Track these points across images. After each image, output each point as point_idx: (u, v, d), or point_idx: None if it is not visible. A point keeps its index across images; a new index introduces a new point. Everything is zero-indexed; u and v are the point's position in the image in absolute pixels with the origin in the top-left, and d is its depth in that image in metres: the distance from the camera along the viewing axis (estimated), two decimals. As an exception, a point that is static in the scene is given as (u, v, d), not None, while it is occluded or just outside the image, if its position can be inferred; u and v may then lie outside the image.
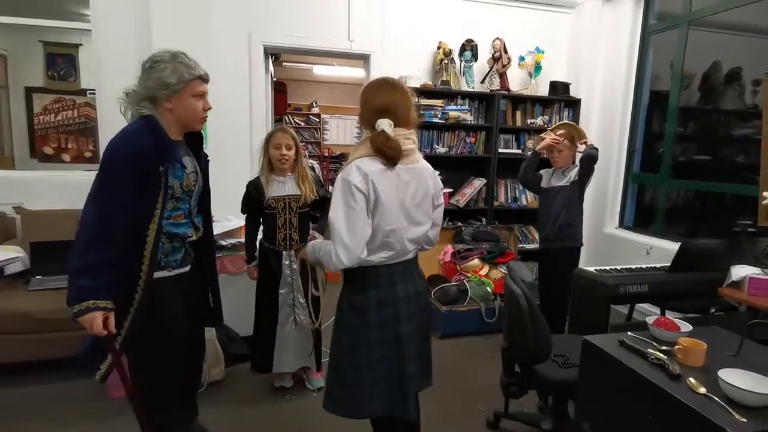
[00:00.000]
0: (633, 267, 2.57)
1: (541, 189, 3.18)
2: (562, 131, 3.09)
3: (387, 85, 1.60)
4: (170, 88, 1.53)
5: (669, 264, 2.49)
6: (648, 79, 4.11)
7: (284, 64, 7.93)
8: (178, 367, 1.73)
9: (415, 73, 4.04)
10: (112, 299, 1.48)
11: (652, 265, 2.61)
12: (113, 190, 1.46)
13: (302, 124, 9.84)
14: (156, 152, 1.51)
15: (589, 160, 2.90)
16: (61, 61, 4.51)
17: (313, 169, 2.75)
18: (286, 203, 2.45)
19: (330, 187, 1.96)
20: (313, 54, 4.18)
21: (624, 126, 4.13)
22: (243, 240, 3.14)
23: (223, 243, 3.07)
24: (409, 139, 1.59)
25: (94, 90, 3.64)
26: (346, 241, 1.50)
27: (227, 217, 3.45)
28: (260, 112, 3.96)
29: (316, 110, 10.02)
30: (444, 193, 1.78)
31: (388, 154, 1.50)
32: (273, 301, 2.51)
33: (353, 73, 8.28)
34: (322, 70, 8.50)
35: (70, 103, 4.31)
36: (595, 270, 2.50)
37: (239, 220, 3.40)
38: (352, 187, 1.50)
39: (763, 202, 1.69)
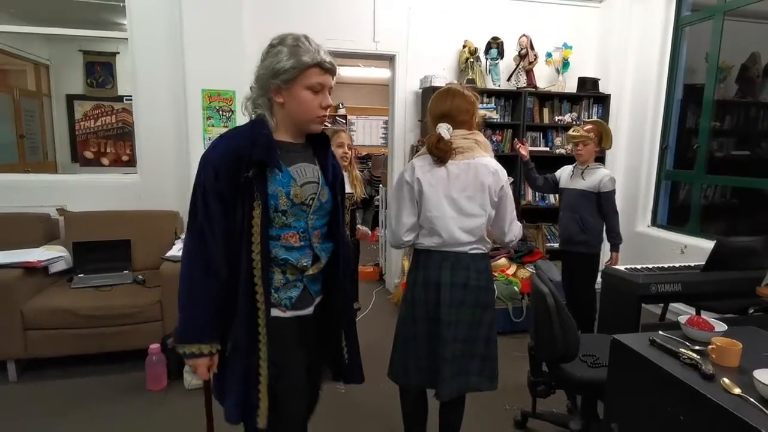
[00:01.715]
0: (665, 266, 2.51)
1: (560, 189, 3.16)
2: (590, 126, 3.05)
3: (446, 94, 1.84)
4: (281, 76, 1.23)
5: (704, 263, 2.43)
6: (681, 73, 3.99)
7: (311, 66, 8.03)
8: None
9: (441, 72, 4.04)
10: (217, 339, 1.27)
11: (686, 264, 2.54)
12: (204, 204, 1.22)
13: (329, 125, 9.95)
14: (250, 154, 1.22)
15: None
16: (100, 68, 4.71)
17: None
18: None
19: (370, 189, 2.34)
20: (339, 56, 4.18)
21: (656, 121, 4.02)
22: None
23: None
24: (467, 139, 1.79)
25: (130, 96, 3.79)
26: (392, 225, 1.87)
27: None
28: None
29: (342, 111, 10.11)
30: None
31: (435, 153, 1.75)
32: None
33: (379, 74, 8.33)
34: (348, 72, 8.58)
35: (108, 109, 4.50)
36: (626, 269, 2.46)
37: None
38: (402, 181, 1.83)
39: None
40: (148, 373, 2.63)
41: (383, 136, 10.58)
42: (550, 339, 1.95)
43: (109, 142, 4.35)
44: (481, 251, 1.83)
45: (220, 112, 3.65)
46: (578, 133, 3.03)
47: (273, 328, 1.27)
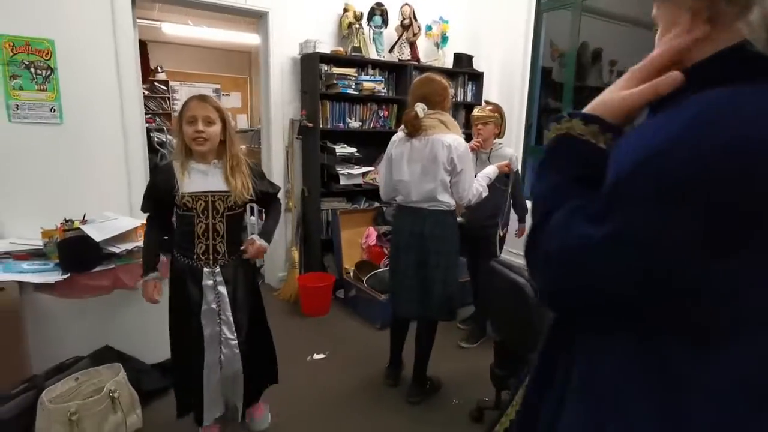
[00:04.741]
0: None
1: None
2: (492, 107, 3.04)
3: (426, 80, 2.25)
4: None
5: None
6: (541, 56, 4.31)
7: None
8: None
9: (319, 37, 3.59)
10: None
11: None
12: None
13: (146, 92, 8.37)
14: None
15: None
16: None
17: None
18: (208, 202, 1.79)
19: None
20: (198, 7, 3.40)
21: (522, 100, 4.28)
22: (139, 244, 2.47)
23: (116, 250, 2.33)
24: (432, 119, 2.18)
25: None
26: (380, 182, 2.42)
27: (105, 215, 2.67)
28: (130, 76, 3.09)
29: (162, 76, 8.61)
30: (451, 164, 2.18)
31: (408, 127, 2.21)
32: (194, 335, 1.85)
33: (210, 34, 7.29)
34: (172, 29, 7.24)
35: None
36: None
37: (128, 219, 2.65)
38: (387, 152, 2.35)
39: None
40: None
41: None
42: (526, 332, 1.86)
43: None
44: (439, 208, 2.21)
45: (32, 70, 2.61)
46: (483, 113, 2.99)
47: None
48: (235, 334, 1.89)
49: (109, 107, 2.96)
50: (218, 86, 9.35)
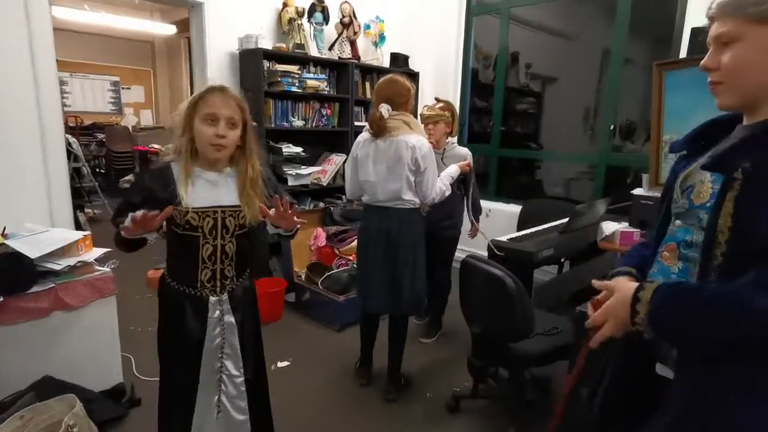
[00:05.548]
0: (528, 232, 2.85)
1: None
2: (443, 104, 3.08)
3: (389, 81, 2.26)
4: None
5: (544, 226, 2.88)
6: (471, 58, 4.53)
7: None
8: None
9: (258, 32, 3.44)
10: None
11: (542, 228, 2.93)
12: None
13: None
14: None
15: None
16: None
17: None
18: (217, 220, 1.42)
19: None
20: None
21: (456, 100, 4.47)
22: (83, 258, 2.20)
23: (56, 267, 2.05)
24: (396, 120, 2.22)
25: None
26: (346, 182, 2.46)
27: (27, 227, 2.34)
28: (47, 66, 2.72)
29: (49, 66, 7.64)
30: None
31: (373, 127, 2.23)
32: (191, 374, 1.50)
33: (107, 20, 6.65)
34: (65, 13, 6.44)
35: None
36: (507, 239, 2.67)
37: (65, 231, 2.35)
38: (353, 153, 2.38)
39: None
40: None
41: (112, 100, 8.66)
42: (508, 322, 1.96)
43: None
44: (405, 206, 2.27)
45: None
46: (433, 112, 3.00)
47: None
48: (242, 370, 1.55)
49: (24, 104, 2.58)
50: (117, 78, 8.57)
